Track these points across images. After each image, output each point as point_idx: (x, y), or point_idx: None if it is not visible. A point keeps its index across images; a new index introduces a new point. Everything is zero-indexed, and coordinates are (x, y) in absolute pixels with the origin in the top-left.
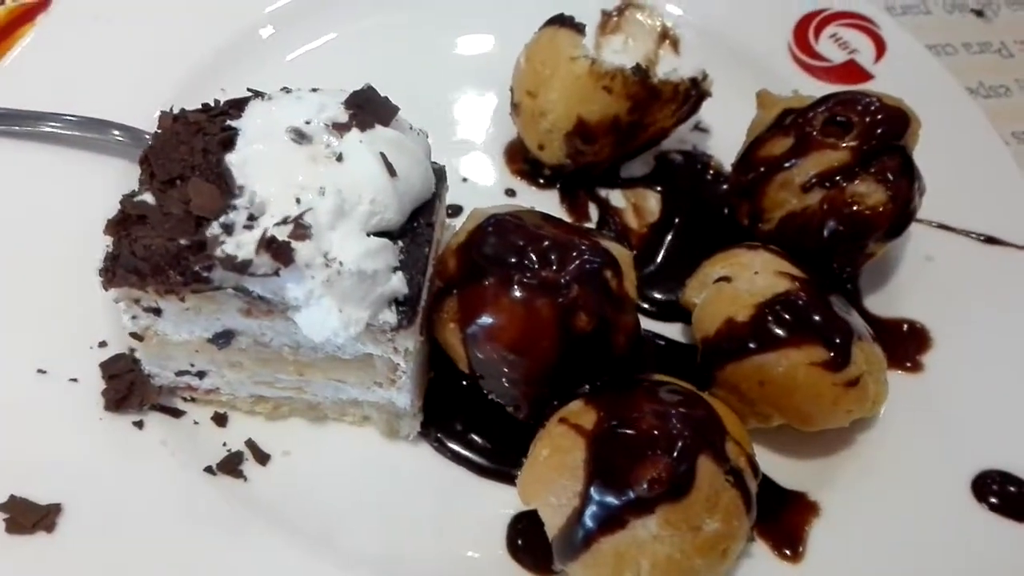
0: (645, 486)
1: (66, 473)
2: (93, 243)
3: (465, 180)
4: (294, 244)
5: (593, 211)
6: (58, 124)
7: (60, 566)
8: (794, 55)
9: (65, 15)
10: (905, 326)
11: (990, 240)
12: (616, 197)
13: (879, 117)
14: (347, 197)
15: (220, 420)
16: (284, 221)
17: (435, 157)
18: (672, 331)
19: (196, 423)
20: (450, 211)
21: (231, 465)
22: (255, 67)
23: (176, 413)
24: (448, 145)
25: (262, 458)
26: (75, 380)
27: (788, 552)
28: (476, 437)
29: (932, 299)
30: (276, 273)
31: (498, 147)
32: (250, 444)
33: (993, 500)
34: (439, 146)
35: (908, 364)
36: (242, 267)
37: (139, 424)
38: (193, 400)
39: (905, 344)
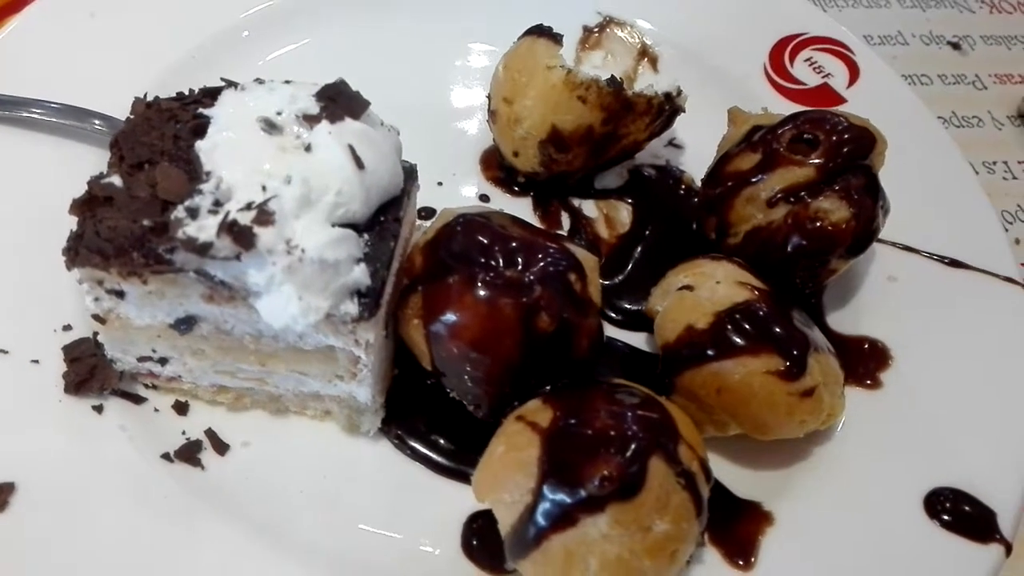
0: (596, 484)
1: (22, 453)
2: (65, 228)
3: (440, 184)
4: (256, 229)
5: (565, 220)
6: (39, 111)
7: (10, 545)
8: (769, 77)
9: (50, 7)
10: (866, 344)
11: (954, 263)
12: (588, 207)
13: (845, 136)
14: (313, 187)
15: (181, 408)
16: (248, 207)
17: (411, 161)
18: (638, 340)
19: (156, 410)
20: (423, 214)
21: (189, 453)
22: (234, 66)
23: (137, 399)
24: (424, 150)
25: (221, 448)
26: (36, 361)
27: (740, 561)
28: (436, 436)
29: (893, 318)
30: (237, 257)
31: (475, 154)
32: (210, 433)
33: (945, 517)
34: (415, 150)
35: (868, 381)
36: (203, 249)
37: (99, 408)
38: (155, 387)
39: (865, 361)
